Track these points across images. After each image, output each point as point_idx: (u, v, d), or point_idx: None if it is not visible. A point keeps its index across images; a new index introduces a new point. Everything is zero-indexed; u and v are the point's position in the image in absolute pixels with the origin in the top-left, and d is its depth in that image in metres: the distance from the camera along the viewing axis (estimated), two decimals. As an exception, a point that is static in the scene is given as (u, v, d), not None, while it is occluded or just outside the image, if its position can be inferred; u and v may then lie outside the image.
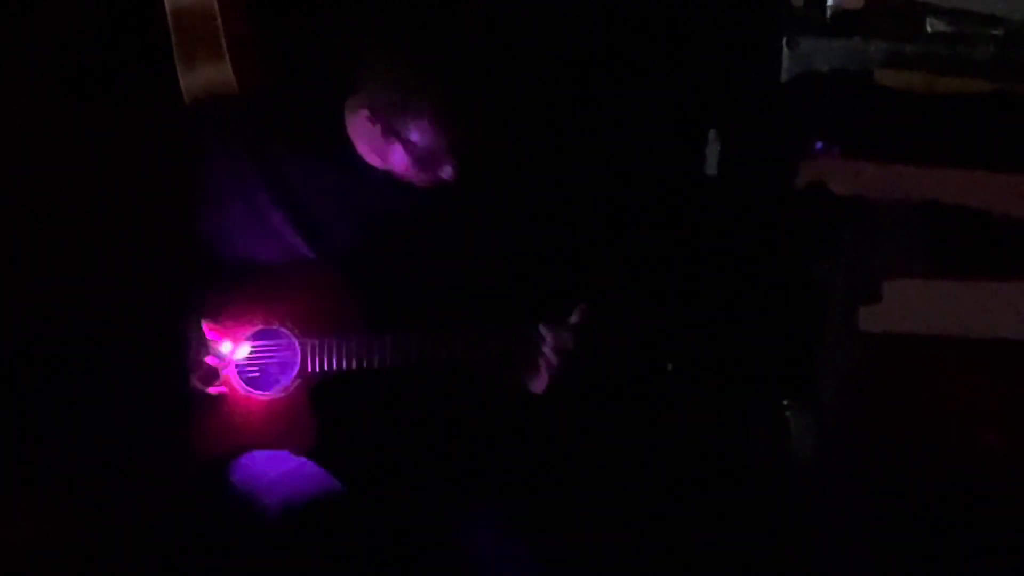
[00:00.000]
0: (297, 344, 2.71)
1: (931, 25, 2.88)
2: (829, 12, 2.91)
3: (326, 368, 2.71)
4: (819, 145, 2.90)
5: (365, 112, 2.70)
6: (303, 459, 2.70)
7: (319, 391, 2.73)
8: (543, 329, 2.72)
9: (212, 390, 2.69)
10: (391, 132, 2.69)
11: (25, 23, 3.06)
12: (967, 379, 2.79)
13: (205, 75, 2.99)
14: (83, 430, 2.72)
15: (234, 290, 2.74)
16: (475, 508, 2.76)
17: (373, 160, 2.77)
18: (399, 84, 2.67)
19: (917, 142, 2.80)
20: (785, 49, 2.88)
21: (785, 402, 2.92)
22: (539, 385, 2.75)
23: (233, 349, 2.69)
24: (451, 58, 2.67)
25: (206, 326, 2.68)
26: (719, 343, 2.75)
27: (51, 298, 2.80)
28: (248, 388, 2.72)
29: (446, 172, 2.72)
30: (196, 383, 2.68)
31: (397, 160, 2.73)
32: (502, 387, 2.80)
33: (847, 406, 2.85)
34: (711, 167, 3.00)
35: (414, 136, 2.68)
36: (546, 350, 2.71)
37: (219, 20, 2.99)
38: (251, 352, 2.72)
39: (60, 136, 2.97)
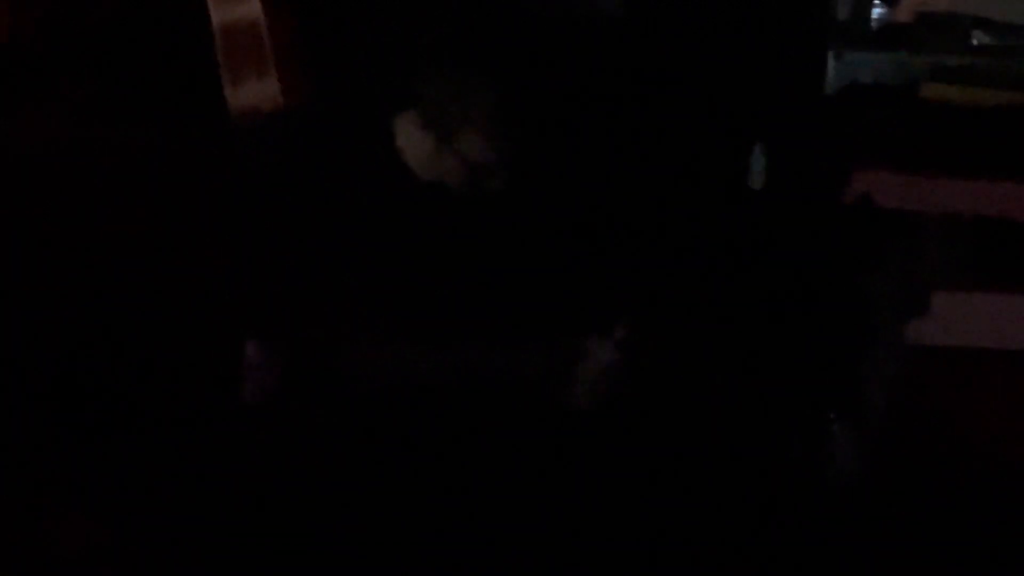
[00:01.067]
0: (346, 356, 2.73)
1: (977, 38, 2.87)
2: (874, 25, 2.91)
3: (375, 382, 2.73)
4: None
5: (417, 124, 2.72)
6: (353, 469, 2.71)
7: (368, 404, 2.74)
8: (590, 343, 2.72)
9: (260, 404, 2.71)
10: (443, 143, 2.71)
11: (74, 41, 3.09)
12: (1015, 393, 2.77)
13: (252, 91, 3.01)
14: (132, 442, 2.74)
15: (284, 301, 2.76)
16: (516, 516, 2.77)
17: (425, 173, 2.78)
18: (449, 94, 2.68)
19: (963, 155, 2.79)
20: (830, 62, 2.88)
21: (831, 415, 2.91)
22: (584, 400, 2.75)
23: (275, 363, 2.71)
24: (500, 69, 2.69)
25: (253, 342, 2.70)
26: (765, 355, 2.75)
27: (103, 313, 2.82)
28: (292, 399, 2.73)
29: (499, 184, 2.73)
30: (244, 398, 2.70)
31: (451, 173, 2.74)
32: (546, 401, 2.81)
33: (893, 419, 2.84)
34: (756, 181, 3.00)
35: (464, 146, 2.69)
36: (592, 364, 2.72)
37: (266, 36, 3.01)
38: (299, 366, 2.74)
39: (108, 153, 2.99)
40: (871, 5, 2.91)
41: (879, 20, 2.90)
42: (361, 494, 2.67)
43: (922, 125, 2.84)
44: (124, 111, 3.08)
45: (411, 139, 2.76)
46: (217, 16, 3.00)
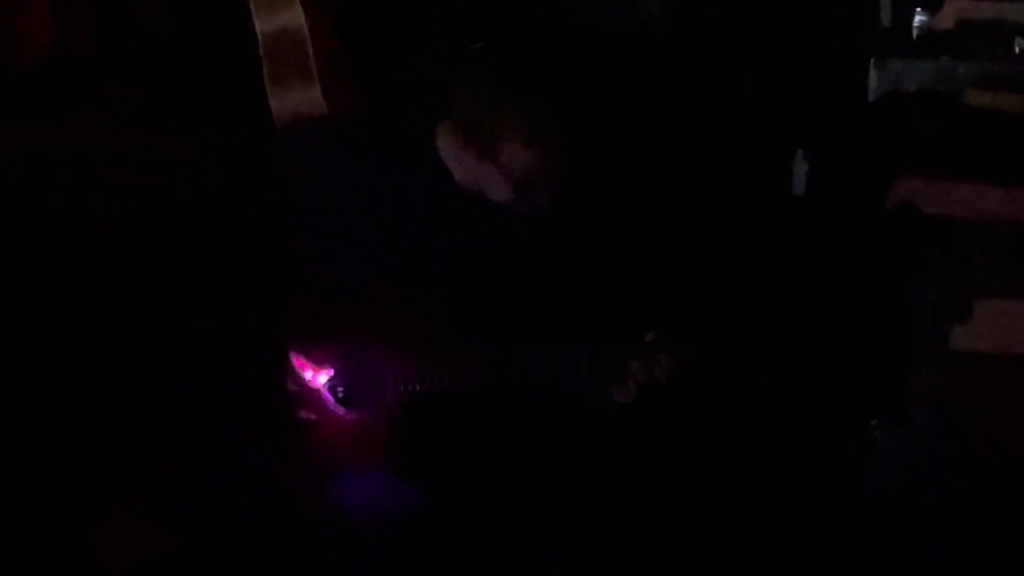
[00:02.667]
0: (389, 364, 2.73)
1: (1019, 45, 2.86)
2: (916, 32, 2.90)
3: (416, 387, 2.73)
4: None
5: (460, 136, 2.71)
6: (394, 477, 2.72)
7: (409, 409, 2.74)
8: (633, 353, 2.72)
9: (302, 415, 2.71)
10: (486, 155, 2.70)
11: (120, 49, 3.10)
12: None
13: (295, 98, 3.03)
14: (184, 450, 2.75)
15: (326, 311, 2.76)
16: (561, 520, 2.77)
17: (468, 184, 2.78)
18: (492, 106, 2.68)
19: (1006, 162, 2.78)
20: (873, 69, 2.87)
21: (874, 422, 2.91)
22: (627, 395, 2.75)
23: (314, 376, 2.72)
24: (542, 80, 2.68)
25: (294, 353, 2.71)
26: (809, 362, 2.75)
27: (145, 317, 2.83)
28: (340, 408, 2.74)
29: (543, 197, 2.72)
30: (287, 409, 2.71)
31: (494, 185, 2.73)
32: (587, 403, 2.81)
33: (936, 425, 2.83)
34: (799, 187, 3.00)
35: (507, 159, 2.68)
36: (637, 368, 2.71)
37: (309, 44, 3.02)
38: (340, 373, 2.74)
39: (154, 159, 3.01)
40: (913, 13, 2.90)
41: (921, 27, 2.89)
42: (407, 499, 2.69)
43: (964, 132, 2.83)
44: (169, 119, 3.09)
45: (456, 152, 2.76)
46: (261, 25, 3.02)
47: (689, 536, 2.86)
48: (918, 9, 2.89)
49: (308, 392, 2.72)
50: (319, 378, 2.73)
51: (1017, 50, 2.84)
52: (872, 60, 2.87)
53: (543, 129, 2.66)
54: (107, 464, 2.75)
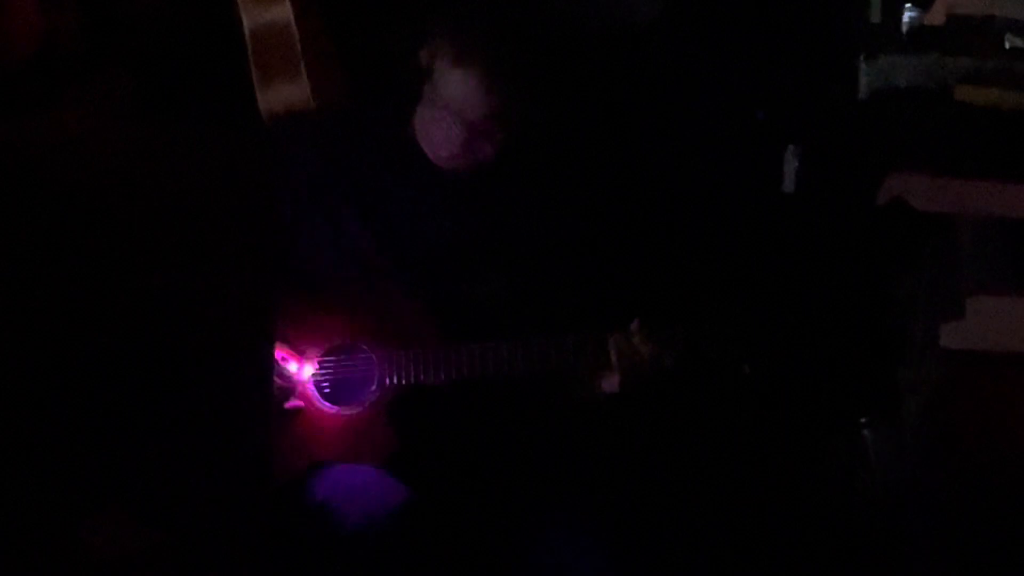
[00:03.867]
0: (374, 358, 2.73)
1: (1009, 41, 2.86)
2: (905, 28, 2.89)
3: (403, 381, 2.73)
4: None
5: (423, 61, 2.72)
6: (380, 471, 2.72)
7: (396, 403, 2.74)
8: (617, 335, 2.71)
9: (288, 405, 2.71)
10: (427, 92, 2.69)
11: (106, 45, 3.09)
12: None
13: (283, 93, 3.02)
14: (168, 445, 2.73)
15: (311, 305, 2.76)
16: (548, 514, 2.76)
17: (431, 152, 2.77)
18: (458, 37, 2.68)
19: (997, 158, 2.78)
20: (863, 65, 2.87)
21: (863, 419, 2.90)
22: (613, 385, 2.73)
23: (300, 369, 2.71)
24: (533, 75, 2.68)
25: (277, 347, 2.70)
26: (798, 360, 2.74)
27: (133, 311, 2.81)
28: (326, 403, 2.73)
29: (486, 149, 2.72)
30: (274, 400, 2.70)
31: (440, 130, 2.72)
32: (572, 394, 2.80)
33: (927, 423, 2.83)
34: (789, 184, 2.99)
35: (441, 83, 2.68)
36: (621, 355, 2.70)
37: (297, 38, 3.01)
38: (326, 368, 2.73)
39: (139, 153, 2.99)
40: (903, 9, 2.90)
41: (911, 23, 2.89)
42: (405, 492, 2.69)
43: (955, 128, 2.83)
44: (158, 115, 3.08)
45: (421, 111, 2.76)
46: (249, 19, 3.01)
47: (677, 531, 2.85)
48: (908, 5, 2.89)
49: (293, 385, 2.71)
50: (304, 371, 2.73)
51: (1007, 46, 2.84)
52: (862, 56, 2.86)
53: (470, 50, 2.67)
54: (89, 460, 2.73)
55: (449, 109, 2.71)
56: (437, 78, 2.73)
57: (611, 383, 2.72)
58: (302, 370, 2.73)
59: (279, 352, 2.72)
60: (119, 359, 2.74)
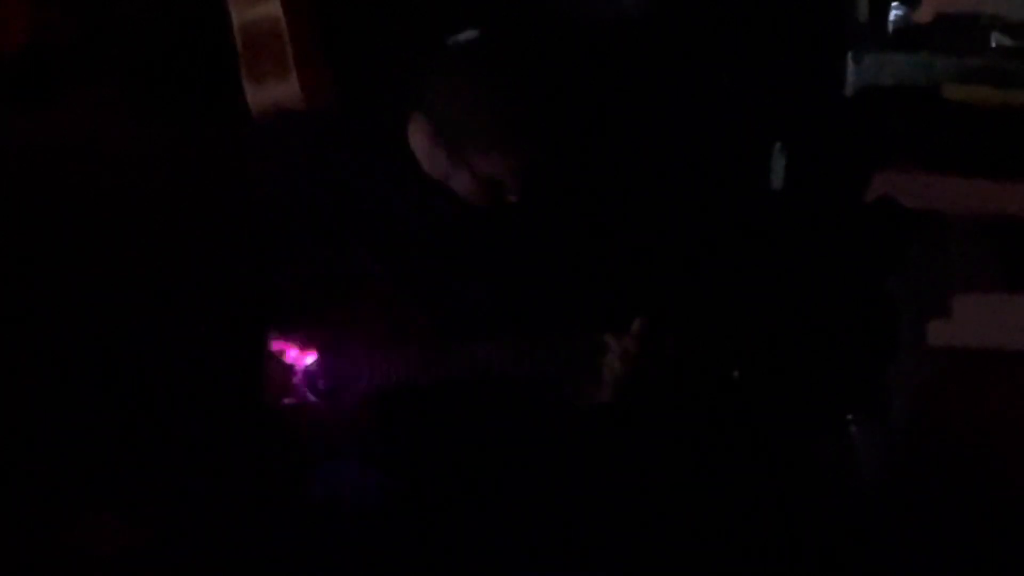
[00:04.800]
0: (365, 357, 2.73)
1: (995, 40, 2.87)
2: (892, 26, 2.91)
3: (393, 380, 2.73)
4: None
5: (429, 134, 2.70)
6: (371, 470, 2.72)
7: (387, 403, 2.74)
8: (608, 338, 2.71)
9: (284, 402, 2.71)
10: (457, 157, 2.68)
11: (92, 43, 3.09)
12: (1037, 393, 2.78)
13: (272, 91, 3.01)
14: (161, 444, 2.74)
15: (303, 303, 2.76)
16: (539, 517, 2.77)
17: (436, 176, 2.77)
18: (461, 110, 2.66)
19: (984, 155, 2.79)
20: (850, 63, 2.88)
21: (849, 416, 2.91)
22: (603, 395, 2.74)
23: (299, 358, 2.71)
24: (514, 85, 2.66)
25: (273, 340, 2.71)
26: (785, 356, 2.75)
27: (123, 310, 2.82)
28: (317, 400, 2.74)
29: (511, 195, 2.72)
30: (267, 396, 2.70)
31: (462, 183, 2.72)
32: (565, 398, 2.80)
33: (913, 420, 2.84)
34: (777, 181, 3.00)
35: (479, 163, 2.67)
36: (611, 358, 2.70)
37: (286, 36, 3.01)
38: (319, 364, 2.74)
39: (130, 149, 2.99)
40: (889, 7, 2.92)
41: (898, 22, 2.90)
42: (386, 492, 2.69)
43: (942, 126, 2.84)
44: (147, 111, 3.08)
45: (423, 147, 2.75)
46: (237, 16, 3.01)
47: (664, 529, 2.86)
48: (895, 3, 2.90)
49: (290, 377, 2.72)
50: (303, 360, 2.73)
51: (994, 44, 2.85)
52: (850, 54, 2.88)
53: (510, 137, 2.65)
54: (85, 459, 2.73)
55: (477, 176, 2.70)
56: (470, 156, 2.68)
57: (601, 386, 2.72)
58: (301, 359, 2.73)
59: (275, 343, 2.73)
60: (115, 358, 2.74)
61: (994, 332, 2.73)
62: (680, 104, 3.15)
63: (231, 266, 2.83)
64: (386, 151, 2.81)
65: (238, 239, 2.83)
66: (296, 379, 2.72)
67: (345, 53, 3.14)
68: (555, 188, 2.84)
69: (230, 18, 3.02)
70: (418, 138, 2.75)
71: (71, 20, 3.06)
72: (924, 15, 2.89)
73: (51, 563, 2.65)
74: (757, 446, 3.03)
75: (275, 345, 2.72)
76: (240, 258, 2.83)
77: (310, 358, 2.73)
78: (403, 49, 3.10)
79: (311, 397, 2.73)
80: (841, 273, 2.91)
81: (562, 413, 2.82)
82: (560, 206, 2.88)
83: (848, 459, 2.93)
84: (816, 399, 2.91)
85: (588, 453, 2.88)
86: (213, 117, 3.04)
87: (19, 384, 2.75)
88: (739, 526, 2.95)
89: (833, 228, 2.95)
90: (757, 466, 3.02)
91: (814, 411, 2.95)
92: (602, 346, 2.71)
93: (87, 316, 2.78)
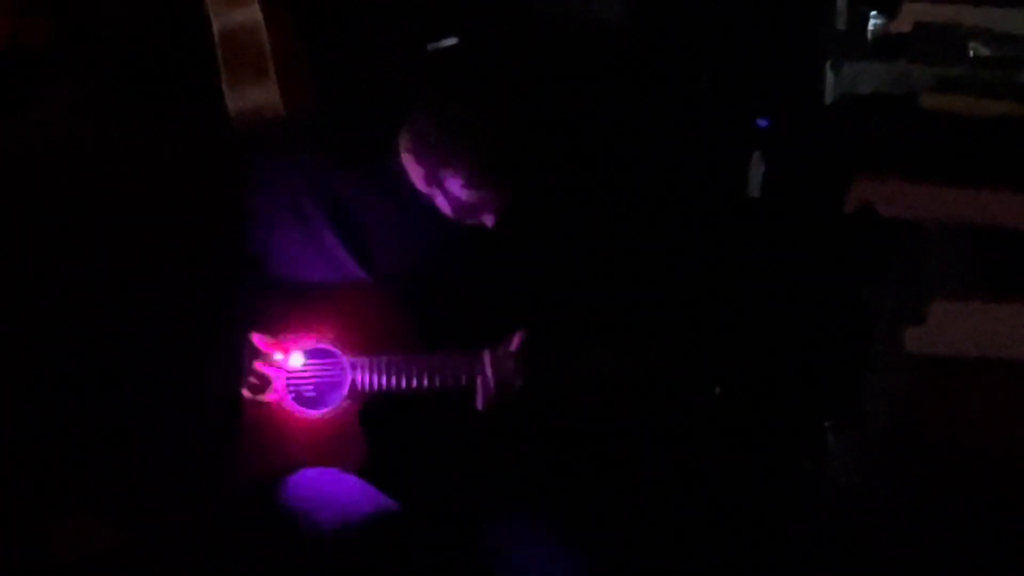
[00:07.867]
0: (347, 363, 2.73)
1: (973, 49, 2.89)
2: (870, 36, 2.92)
3: (375, 387, 2.73)
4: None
5: (412, 154, 2.72)
6: (353, 476, 2.72)
7: (369, 409, 2.74)
8: (485, 355, 2.71)
9: (263, 397, 2.71)
10: (433, 180, 2.71)
11: (74, 46, 3.08)
12: (1014, 401, 2.78)
13: (252, 96, 3.01)
14: (137, 445, 2.73)
15: (285, 309, 2.75)
16: (517, 520, 2.76)
17: (420, 186, 2.78)
18: (441, 138, 2.66)
19: (962, 164, 2.80)
20: (829, 72, 2.89)
21: (827, 423, 2.92)
22: (477, 404, 2.74)
23: (285, 357, 2.71)
24: (492, 114, 2.66)
25: (257, 338, 2.70)
26: (763, 364, 2.76)
27: (100, 312, 2.81)
28: (299, 407, 2.73)
29: (487, 221, 2.73)
30: (246, 391, 2.70)
31: (439, 203, 2.75)
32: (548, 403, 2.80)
33: (891, 428, 2.85)
34: (754, 189, 3.01)
35: (454, 189, 2.69)
36: (486, 374, 2.71)
37: (266, 42, 3.01)
38: (303, 368, 2.73)
39: (107, 152, 2.99)
40: (868, 17, 2.93)
41: (877, 31, 2.91)
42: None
43: (920, 134, 2.85)
44: (126, 115, 3.07)
45: (410, 164, 2.76)
46: (217, 21, 3.00)
47: (644, 539, 2.87)
48: (874, 13, 2.91)
49: (275, 374, 2.71)
50: (291, 360, 2.72)
51: (972, 54, 2.87)
52: (828, 63, 2.89)
53: (487, 173, 2.66)
54: (62, 461, 2.72)
55: (454, 201, 2.72)
56: (448, 185, 2.70)
57: (476, 396, 2.73)
58: (288, 359, 2.72)
59: (263, 343, 2.72)
60: (93, 360, 2.74)
61: (972, 340, 2.74)
62: (658, 112, 3.16)
63: (209, 270, 2.82)
64: (368, 157, 2.81)
65: (219, 243, 2.83)
66: (278, 377, 2.72)
67: (325, 59, 3.14)
68: (529, 211, 2.83)
69: (210, 23, 3.01)
70: (404, 155, 2.76)
71: (50, 23, 3.05)
72: (902, 25, 2.91)
73: (29, 565, 2.64)
74: (735, 453, 3.04)
75: (259, 344, 2.71)
76: (221, 262, 2.83)
77: (294, 355, 2.72)
78: (384, 56, 3.10)
79: (292, 404, 2.73)
80: (819, 281, 2.92)
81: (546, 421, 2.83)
82: (534, 214, 2.88)
83: (825, 466, 2.94)
84: (794, 406, 2.92)
85: (570, 460, 2.88)
86: (192, 121, 3.03)
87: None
88: (718, 533, 2.95)
89: (811, 236, 2.95)
90: (735, 473, 3.03)
91: (792, 418, 2.96)
92: (479, 360, 2.72)
93: (63, 318, 2.77)
